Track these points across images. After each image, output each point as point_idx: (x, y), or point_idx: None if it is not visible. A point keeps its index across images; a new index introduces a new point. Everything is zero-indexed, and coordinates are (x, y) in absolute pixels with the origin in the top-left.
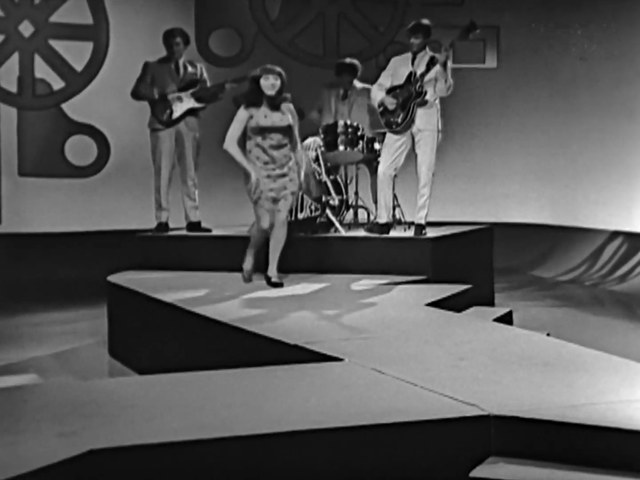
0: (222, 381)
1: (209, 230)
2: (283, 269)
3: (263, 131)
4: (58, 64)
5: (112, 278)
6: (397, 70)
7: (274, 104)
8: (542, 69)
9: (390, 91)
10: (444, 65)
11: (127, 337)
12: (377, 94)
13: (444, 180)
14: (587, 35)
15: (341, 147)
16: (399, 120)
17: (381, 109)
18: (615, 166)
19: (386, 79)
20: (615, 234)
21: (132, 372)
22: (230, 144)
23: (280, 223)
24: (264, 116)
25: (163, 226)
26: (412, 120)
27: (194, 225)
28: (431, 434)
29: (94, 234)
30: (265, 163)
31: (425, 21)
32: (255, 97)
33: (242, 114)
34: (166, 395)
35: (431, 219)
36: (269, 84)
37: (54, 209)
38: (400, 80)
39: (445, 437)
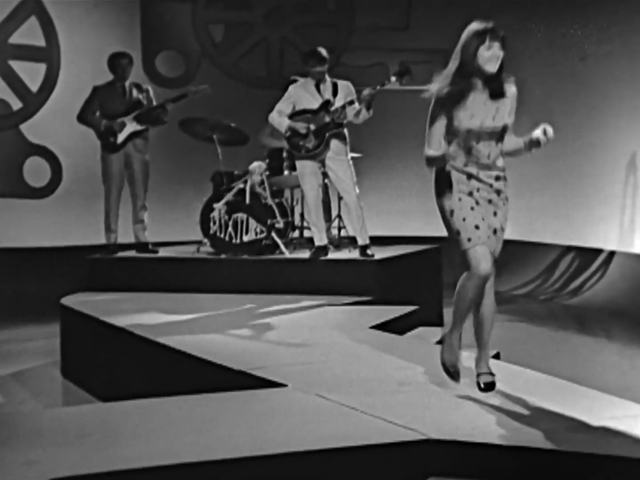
0: (172, 408)
1: (156, 252)
2: (231, 289)
3: (469, 138)
4: (16, 84)
5: (65, 300)
6: (300, 97)
7: (493, 90)
8: None
9: (298, 115)
10: (368, 107)
11: (79, 359)
12: (281, 120)
13: (401, 195)
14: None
15: (286, 172)
16: (310, 146)
17: (289, 133)
18: (570, 181)
19: (287, 106)
20: (568, 248)
21: (85, 393)
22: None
23: (490, 285)
24: (470, 115)
25: (112, 248)
26: (327, 147)
27: (142, 247)
28: (372, 458)
29: (46, 251)
30: (468, 177)
31: (324, 50)
32: (463, 87)
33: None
34: (118, 424)
35: (388, 233)
36: (491, 56)
37: (11, 228)
38: (304, 106)
39: (385, 461)
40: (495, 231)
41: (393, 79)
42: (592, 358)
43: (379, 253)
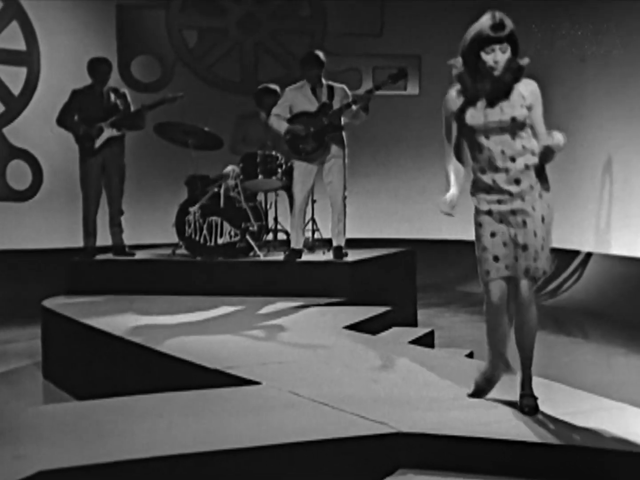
0: (150, 406)
1: (133, 255)
2: (206, 291)
3: (477, 135)
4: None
5: (46, 303)
6: (295, 99)
7: (498, 91)
8: None
9: (296, 117)
10: (366, 108)
11: (60, 360)
12: (280, 124)
13: (379, 198)
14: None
15: (260, 176)
16: (310, 148)
17: (288, 136)
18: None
19: (284, 109)
20: None
21: (65, 393)
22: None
23: (523, 298)
24: (474, 112)
25: (90, 251)
26: (326, 150)
27: (119, 249)
28: (343, 451)
29: (27, 253)
30: (488, 190)
31: (322, 53)
32: (471, 85)
33: (451, 99)
34: (98, 421)
35: (361, 235)
36: (491, 60)
37: None
38: (300, 109)
39: (356, 453)
40: (525, 247)
41: (389, 81)
42: (568, 357)
43: (355, 255)
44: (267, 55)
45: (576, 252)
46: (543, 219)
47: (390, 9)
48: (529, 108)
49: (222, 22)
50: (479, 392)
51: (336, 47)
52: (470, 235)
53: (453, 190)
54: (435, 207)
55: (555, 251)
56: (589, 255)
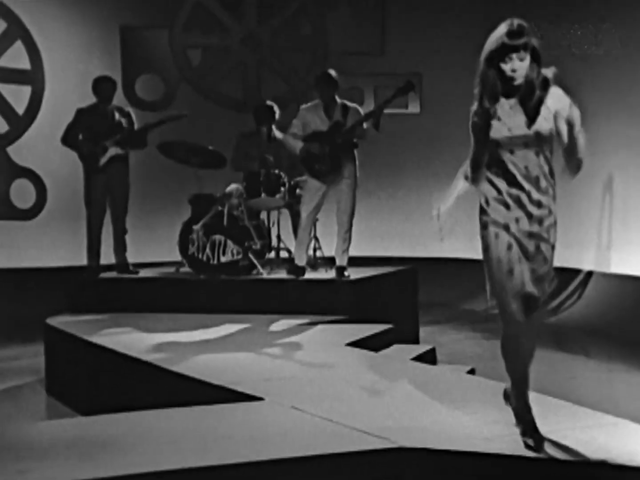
0: (153, 421)
1: (137, 273)
2: (210, 309)
3: (501, 149)
4: (3, 107)
5: (50, 321)
6: (309, 119)
7: (524, 99)
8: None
9: (310, 137)
10: (377, 125)
11: (63, 376)
12: (295, 143)
13: (381, 217)
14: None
15: (263, 195)
16: (325, 169)
17: (303, 155)
18: None
19: (299, 129)
20: None
21: (69, 409)
22: (459, 177)
23: (531, 324)
24: (500, 125)
25: (94, 269)
26: (340, 169)
27: (122, 268)
28: (345, 466)
29: (31, 271)
30: (507, 206)
31: (335, 73)
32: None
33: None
34: (102, 436)
35: (365, 254)
36: (509, 69)
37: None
38: (313, 128)
39: (358, 468)
40: (534, 271)
41: (398, 94)
42: (569, 374)
43: (357, 273)
44: (269, 73)
45: (577, 271)
46: (553, 248)
47: (391, 27)
48: (555, 117)
49: (225, 41)
50: (531, 435)
51: (337, 66)
52: (472, 254)
53: (449, 204)
54: (434, 223)
55: (556, 269)
56: (589, 273)
